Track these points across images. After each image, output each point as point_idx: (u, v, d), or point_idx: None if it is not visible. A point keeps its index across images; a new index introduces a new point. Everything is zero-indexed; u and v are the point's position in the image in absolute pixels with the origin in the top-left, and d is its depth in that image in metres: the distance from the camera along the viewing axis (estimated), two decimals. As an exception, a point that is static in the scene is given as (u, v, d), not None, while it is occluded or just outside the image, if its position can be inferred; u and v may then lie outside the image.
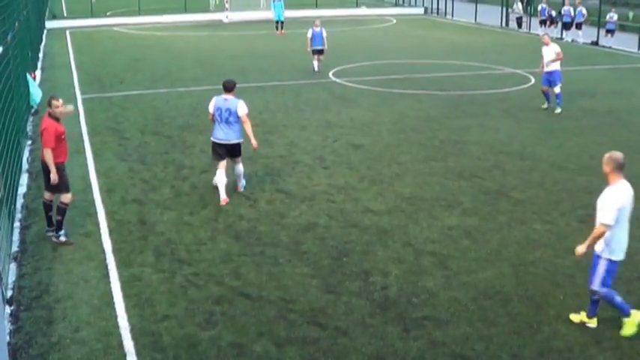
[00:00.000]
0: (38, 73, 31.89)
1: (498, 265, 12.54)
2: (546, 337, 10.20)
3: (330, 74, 31.30)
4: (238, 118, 15.43)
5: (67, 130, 13.48)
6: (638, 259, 12.75)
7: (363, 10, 64.17)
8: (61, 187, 13.28)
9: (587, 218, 14.62)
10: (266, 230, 14.06)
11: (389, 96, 26.96)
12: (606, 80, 30.95)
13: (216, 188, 15.86)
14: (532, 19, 49.21)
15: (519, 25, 50.11)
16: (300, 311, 10.93)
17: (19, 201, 15.66)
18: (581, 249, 10.31)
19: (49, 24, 53.20)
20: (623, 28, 45.54)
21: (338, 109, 24.57)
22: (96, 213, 15.01)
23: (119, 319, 10.70)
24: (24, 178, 17.20)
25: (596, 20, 44.21)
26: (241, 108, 15.40)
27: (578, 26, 43.79)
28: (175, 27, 52.72)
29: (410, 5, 67.66)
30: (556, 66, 24.44)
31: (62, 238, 13.38)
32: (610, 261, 10.29)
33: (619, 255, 10.33)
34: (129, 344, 10.02)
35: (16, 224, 14.31)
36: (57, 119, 13.03)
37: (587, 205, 15.36)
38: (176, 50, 40.28)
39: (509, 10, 52.20)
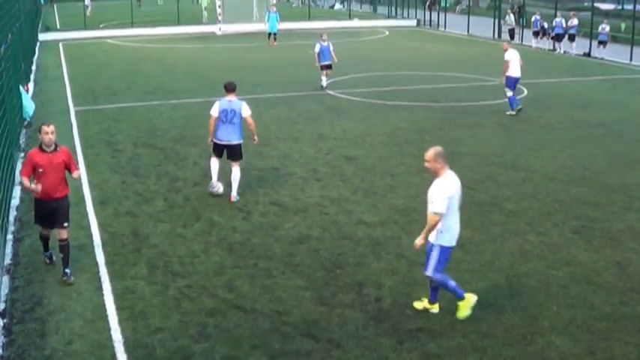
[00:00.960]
0: (31, 85, 31.88)
1: (492, 276, 12.55)
2: (540, 349, 10.19)
3: (323, 86, 31.28)
4: (241, 119, 16.00)
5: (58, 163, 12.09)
6: (631, 270, 12.78)
7: (355, 22, 64.31)
8: (42, 224, 12.59)
9: (581, 229, 14.71)
10: (259, 242, 14.04)
11: (382, 108, 26.99)
12: (599, 91, 31.05)
13: (212, 196, 15.88)
14: (524, 30, 49.31)
15: (512, 36, 50.19)
16: (294, 323, 10.91)
17: (12, 213, 15.62)
18: (419, 241, 10.92)
19: (43, 36, 53.21)
20: (615, 39, 45.61)
21: (331, 121, 24.58)
22: (89, 225, 14.99)
23: (112, 332, 10.67)
24: (17, 191, 17.15)
25: (589, 31, 44.34)
26: (245, 109, 16.15)
27: (571, 38, 43.91)
28: (168, 39, 52.75)
29: (402, 17, 67.73)
30: (510, 72, 25.85)
31: (72, 278, 12.30)
32: (443, 247, 10.89)
33: (451, 242, 10.94)
34: (122, 357, 9.99)
35: (9, 237, 14.27)
36: (43, 150, 11.95)
37: (580, 216, 15.43)
38: (169, 62, 40.30)
39: (502, 21, 52.33)
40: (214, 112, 16.05)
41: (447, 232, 10.89)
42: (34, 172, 11.87)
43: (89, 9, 72.72)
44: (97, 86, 32.44)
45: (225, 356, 9.97)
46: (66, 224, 12.34)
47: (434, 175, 11.21)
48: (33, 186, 11.81)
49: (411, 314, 11.18)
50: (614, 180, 18.04)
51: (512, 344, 10.30)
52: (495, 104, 27.58)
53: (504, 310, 11.32)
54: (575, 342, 10.36)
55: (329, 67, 30.82)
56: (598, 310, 11.29)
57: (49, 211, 12.19)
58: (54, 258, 12.98)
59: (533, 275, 12.59)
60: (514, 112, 25.61)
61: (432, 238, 10.91)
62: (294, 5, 56.84)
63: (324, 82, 31.03)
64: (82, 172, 18.57)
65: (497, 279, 12.43)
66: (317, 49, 30.73)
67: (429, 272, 10.91)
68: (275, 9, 51.90)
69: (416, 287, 12.08)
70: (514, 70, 25.96)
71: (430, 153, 11.28)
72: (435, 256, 10.90)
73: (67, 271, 12.30)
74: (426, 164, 11.25)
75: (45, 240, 12.94)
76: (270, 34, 49.50)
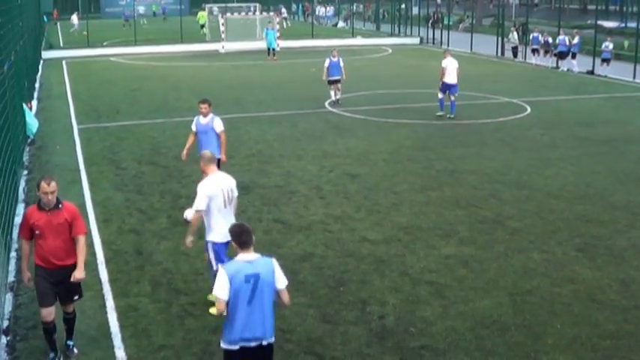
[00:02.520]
0: (34, 103, 31.96)
1: (495, 294, 12.52)
2: (544, 367, 10.18)
3: (326, 104, 31.35)
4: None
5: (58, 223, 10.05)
6: (635, 287, 12.76)
7: (358, 40, 64.43)
8: (41, 300, 10.22)
9: (585, 247, 14.68)
10: (263, 260, 14.01)
11: (385, 125, 27.01)
12: (602, 109, 31.03)
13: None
14: (527, 48, 49.38)
15: (515, 54, 50.26)
16: (297, 341, 10.90)
17: (15, 231, 15.61)
18: (187, 240, 11.66)
19: (46, 54, 53.37)
20: (618, 56, 45.63)
21: (334, 139, 24.60)
22: (92, 243, 14.97)
23: (116, 350, 10.67)
24: (20, 208, 17.18)
25: (592, 49, 44.38)
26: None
27: (574, 55, 43.95)
28: (172, 57, 52.85)
29: (406, 35, 67.80)
30: (455, 79, 28.55)
31: (75, 351, 10.63)
32: (214, 243, 11.59)
33: (220, 238, 11.40)
34: (125, 375, 9.99)
35: (12, 254, 14.28)
36: (41, 208, 10.00)
37: (583, 234, 15.41)
38: (172, 80, 40.37)
39: (505, 39, 52.40)
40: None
41: (214, 229, 11.51)
42: (32, 233, 10.05)
43: (76, 27, 73.24)
44: (101, 104, 32.51)
45: (228, 374, 9.95)
46: (76, 297, 10.47)
47: (204, 176, 11.89)
48: (26, 281, 10.32)
49: (414, 332, 11.17)
50: (618, 198, 18.03)
51: (516, 362, 10.29)
52: (499, 122, 27.61)
53: (508, 327, 11.30)
54: (578, 359, 10.35)
55: (337, 81, 31.18)
56: (602, 328, 11.27)
57: (51, 282, 10.06)
58: None
59: (537, 293, 12.57)
60: (441, 113, 28.62)
61: (206, 236, 11.74)
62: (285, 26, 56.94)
63: (333, 96, 31.45)
64: (85, 189, 18.64)
65: (501, 297, 12.41)
66: (326, 63, 31.16)
67: (215, 268, 11.32)
68: (272, 26, 54.08)
69: (420, 305, 12.07)
70: (449, 77, 28.62)
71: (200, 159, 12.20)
72: (210, 252, 11.67)
73: (70, 343, 10.63)
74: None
75: (49, 332, 10.35)
76: (268, 49, 51.16)
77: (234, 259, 8.31)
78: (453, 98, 28.54)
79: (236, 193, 11.78)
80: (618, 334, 11.10)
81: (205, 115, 16.49)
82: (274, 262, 8.35)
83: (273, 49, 51.05)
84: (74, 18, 76.33)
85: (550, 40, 46.10)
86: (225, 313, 8.14)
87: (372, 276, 13.29)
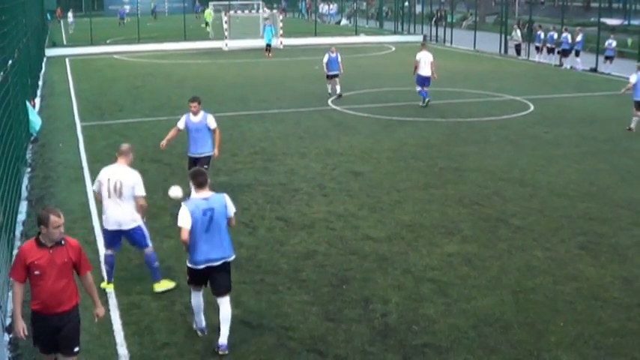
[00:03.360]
0: (38, 100, 31.97)
1: (498, 292, 12.51)
2: (547, 365, 10.17)
3: (330, 102, 31.35)
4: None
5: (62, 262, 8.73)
6: (638, 285, 12.77)
7: (362, 38, 64.41)
8: (41, 355, 9.16)
9: (588, 245, 14.67)
10: (266, 258, 14.04)
11: (388, 123, 27.00)
12: (605, 107, 31.01)
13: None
14: (531, 46, 49.33)
15: (518, 52, 50.22)
16: (300, 339, 10.90)
17: (18, 228, 15.65)
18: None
19: (49, 52, 53.38)
20: (622, 54, 45.59)
21: (338, 137, 24.60)
22: (95, 240, 14.98)
23: (118, 347, 10.68)
24: (23, 206, 17.19)
25: (595, 47, 44.33)
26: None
27: (577, 53, 43.90)
28: (175, 55, 52.89)
29: (409, 33, 67.78)
30: (429, 72, 30.30)
31: None
32: (103, 229, 12.71)
33: (106, 224, 12.46)
34: (128, 372, 10.00)
35: (15, 252, 14.25)
36: (42, 244, 8.56)
37: (587, 232, 15.40)
38: (176, 78, 40.36)
39: (508, 37, 52.37)
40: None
41: (103, 214, 12.43)
42: (28, 274, 8.56)
43: (70, 24, 73.43)
44: (104, 102, 32.52)
45: (231, 372, 9.96)
46: (76, 349, 9.02)
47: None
48: (21, 333, 8.67)
49: (417, 330, 11.16)
50: (621, 195, 18.01)
51: (519, 360, 10.29)
52: (502, 119, 27.59)
53: (511, 325, 11.29)
54: (582, 358, 10.33)
55: (335, 76, 32.67)
56: (605, 326, 11.26)
57: (52, 329, 8.76)
58: None
59: (540, 291, 12.56)
60: (423, 105, 30.13)
61: None
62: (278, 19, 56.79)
63: (330, 90, 33.02)
64: (88, 187, 18.62)
65: (504, 294, 12.40)
66: (325, 59, 32.82)
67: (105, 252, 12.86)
68: (270, 22, 55.47)
69: (422, 303, 12.06)
70: (422, 70, 30.29)
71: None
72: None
73: None
74: None
75: None
76: (267, 45, 52.03)
77: (191, 197, 10.47)
78: (425, 88, 30.46)
79: (132, 190, 12.46)
80: (621, 331, 11.09)
81: (196, 114, 16.97)
82: (226, 197, 10.55)
83: (269, 45, 52.04)
84: (70, 15, 76.64)
85: (555, 35, 45.92)
86: (188, 242, 10.26)
87: (374, 274, 13.29)
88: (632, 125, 25.49)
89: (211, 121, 16.96)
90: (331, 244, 14.80)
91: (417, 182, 19.11)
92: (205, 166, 15.87)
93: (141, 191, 12.47)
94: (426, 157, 21.77)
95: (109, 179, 12.22)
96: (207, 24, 67.56)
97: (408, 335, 11.01)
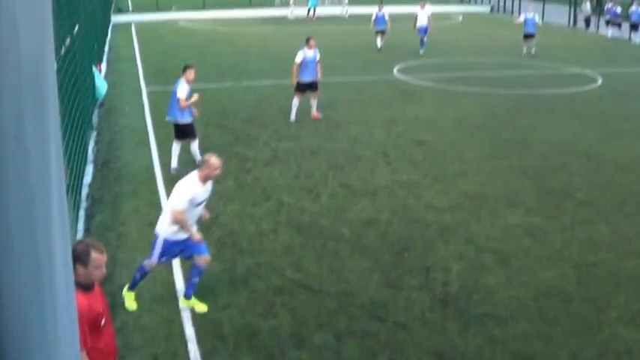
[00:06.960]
0: (104, 65, 32.33)
1: (560, 265, 12.44)
2: (606, 339, 10.10)
3: (395, 71, 31.24)
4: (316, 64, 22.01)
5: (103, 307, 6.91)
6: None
7: (428, 8, 63.77)
8: None
9: (653, 220, 14.47)
10: (328, 224, 14.11)
11: (453, 93, 26.84)
12: (676, 82, 30.41)
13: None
14: (601, 19, 48.47)
15: (587, 25, 49.37)
16: (360, 305, 10.97)
17: (84, 191, 15.90)
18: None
19: (115, 18, 53.71)
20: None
21: (402, 106, 24.52)
22: (159, 204, 15.16)
23: (181, 308, 10.84)
24: (89, 169, 17.46)
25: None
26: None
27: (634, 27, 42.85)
28: (240, 22, 52.97)
29: (476, 3, 67.03)
30: (425, 22, 37.21)
31: None
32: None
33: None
34: (190, 331, 10.17)
35: (81, 213, 14.52)
36: (85, 286, 6.31)
37: (653, 207, 15.19)
38: (241, 45, 40.47)
39: (578, 9, 51.53)
40: (297, 59, 21.86)
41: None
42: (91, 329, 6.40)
43: None
44: (169, 67, 32.69)
45: (291, 334, 10.08)
46: None
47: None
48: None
49: (477, 299, 11.16)
50: (689, 171, 17.72)
51: (578, 333, 10.23)
52: (569, 92, 27.23)
53: (572, 299, 11.23)
54: (644, 333, 10.26)
55: (383, 32, 37.70)
56: (668, 302, 11.15)
57: None
58: None
59: (603, 266, 12.45)
60: (422, 52, 36.17)
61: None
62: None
63: (379, 43, 37.68)
64: (153, 151, 18.83)
65: (566, 268, 12.32)
66: (374, 17, 38.13)
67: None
68: None
69: (483, 273, 12.05)
70: (419, 22, 37.21)
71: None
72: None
73: None
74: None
75: None
76: (309, 8, 54.42)
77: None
78: (425, 39, 36.57)
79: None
80: (685, 308, 10.97)
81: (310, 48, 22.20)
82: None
83: (314, 9, 54.62)
84: None
85: (619, 9, 44.99)
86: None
87: (436, 243, 13.28)
88: None
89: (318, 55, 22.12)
90: (394, 212, 14.81)
91: (481, 153, 19.00)
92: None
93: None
94: (491, 127, 21.61)
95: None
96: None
97: (468, 304, 11.01)
